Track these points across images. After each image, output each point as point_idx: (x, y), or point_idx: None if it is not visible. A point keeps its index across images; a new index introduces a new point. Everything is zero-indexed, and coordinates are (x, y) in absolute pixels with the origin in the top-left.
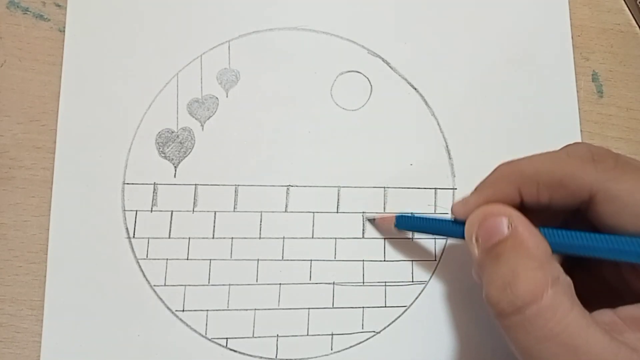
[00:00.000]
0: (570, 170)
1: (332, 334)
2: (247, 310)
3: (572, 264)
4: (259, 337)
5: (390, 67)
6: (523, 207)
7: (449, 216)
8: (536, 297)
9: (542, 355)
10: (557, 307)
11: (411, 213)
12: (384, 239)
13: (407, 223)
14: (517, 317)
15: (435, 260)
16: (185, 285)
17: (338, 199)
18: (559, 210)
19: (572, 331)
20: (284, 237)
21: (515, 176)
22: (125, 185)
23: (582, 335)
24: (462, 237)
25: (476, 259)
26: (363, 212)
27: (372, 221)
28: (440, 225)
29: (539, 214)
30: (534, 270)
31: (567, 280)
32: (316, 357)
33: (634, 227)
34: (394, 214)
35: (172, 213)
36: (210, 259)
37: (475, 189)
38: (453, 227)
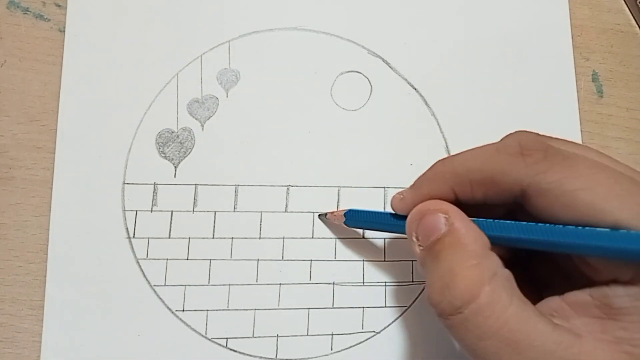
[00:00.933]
0: (499, 167)
1: (332, 334)
2: (247, 310)
3: (529, 252)
4: (259, 337)
5: (390, 67)
6: (462, 203)
7: None
8: (473, 296)
9: (485, 352)
10: (495, 304)
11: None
12: (384, 239)
13: (356, 218)
14: (457, 317)
15: None
16: (185, 285)
17: (338, 199)
18: (500, 204)
19: (511, 326)
20: (284, 237)
21: (448, 174)
22: (126, 185)
23: (522, 329)
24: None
25: (418, 258)
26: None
27: (323, 217)
28: (385, 220)
29: (481, 207)
30: (470, 269)
31: (506, 273)
32: (316, 357)
33: (567, 217)
34: (344, 210)
35: (172, 213)
36: (210, 259)
37: (413, 185)
38: (397, 222)
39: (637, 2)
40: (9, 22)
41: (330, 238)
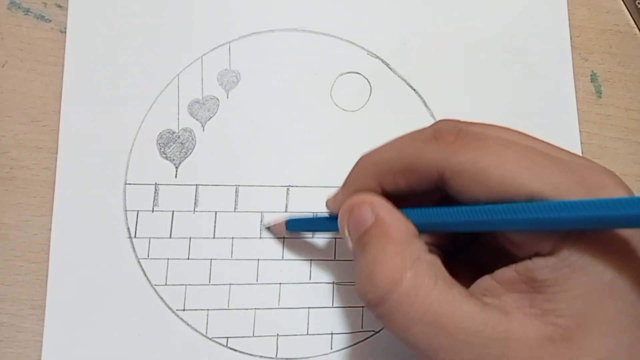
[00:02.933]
0: (415, 153)
1: (332, 333)
2: (247, 309)
3: (467, 238)
4: (259, 336)
5: (389, 68)
6: (392, 196)
7: None
8: (395, 283)
9: (415, 339)
10: (418, 289)
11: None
12: None
13: (296, 226)
14: (383, 306)
15: None
16: (186, 285)
17: None
18: (426, 193)
19: (436, 310)
20: (284, 237)
21: (372, 167)
22: (127, 185)
23: (447, 312)
24: None
25: (352, 253)
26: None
27: (268, 229)
28: (324, 223)
29: (413, 199)
30: (392, 256)
31: (430, 258)
32: (316, 356)
33: (484, 195)
34: (285, 219)
35: (173, 213)
36: (211, 259)
37: (343, 184)
38: (334, 223)
39: (636, 2)
40: (10, 23)
41: (330, 238)
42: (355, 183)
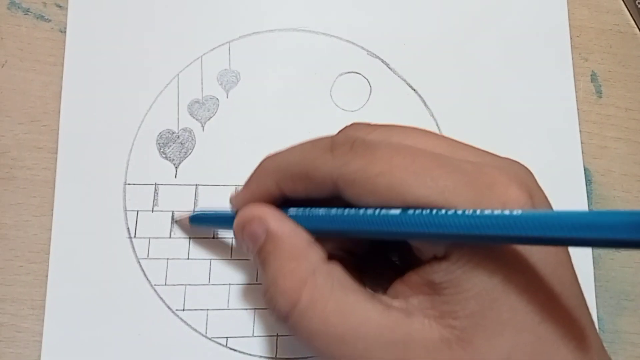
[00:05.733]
0: (312, 161)
1: None
2: (247, 309)
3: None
4: (259, 336)
5: (389, 68)
6: (295, 199)
7: None
8: (293, 301)
9: (319, 350)
10: (315, 304)
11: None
12: None
13: (202, 221)
14: (287, 323)
15: None
16: (185, 285)
17: None
18: (335, 197)
19: (333, 321)
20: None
21: (272, 169)
22: (127, 185)
23: (343, 322)
24: None
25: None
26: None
27: (177, 222)
28: (228, 220)
29: (319, 202)
30: (287, 275)
31: (326, 268)
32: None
33: (374, 203)
34: (191, 213)
35: (173, 213)
36: (211, 259)
37: (245, 182)
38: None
39: (637, 2)
40: (9, 23)
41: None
42: (255, 183)
